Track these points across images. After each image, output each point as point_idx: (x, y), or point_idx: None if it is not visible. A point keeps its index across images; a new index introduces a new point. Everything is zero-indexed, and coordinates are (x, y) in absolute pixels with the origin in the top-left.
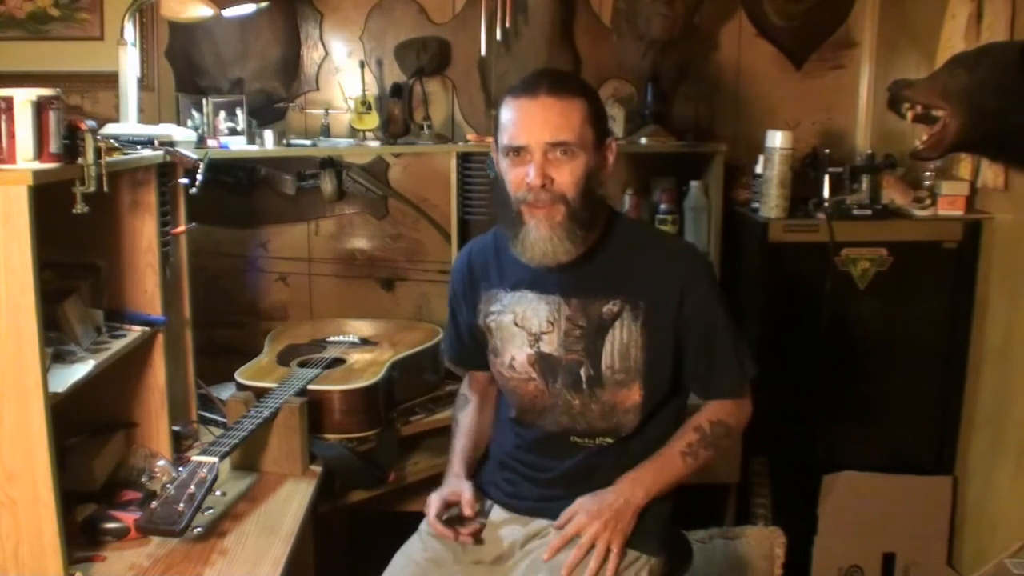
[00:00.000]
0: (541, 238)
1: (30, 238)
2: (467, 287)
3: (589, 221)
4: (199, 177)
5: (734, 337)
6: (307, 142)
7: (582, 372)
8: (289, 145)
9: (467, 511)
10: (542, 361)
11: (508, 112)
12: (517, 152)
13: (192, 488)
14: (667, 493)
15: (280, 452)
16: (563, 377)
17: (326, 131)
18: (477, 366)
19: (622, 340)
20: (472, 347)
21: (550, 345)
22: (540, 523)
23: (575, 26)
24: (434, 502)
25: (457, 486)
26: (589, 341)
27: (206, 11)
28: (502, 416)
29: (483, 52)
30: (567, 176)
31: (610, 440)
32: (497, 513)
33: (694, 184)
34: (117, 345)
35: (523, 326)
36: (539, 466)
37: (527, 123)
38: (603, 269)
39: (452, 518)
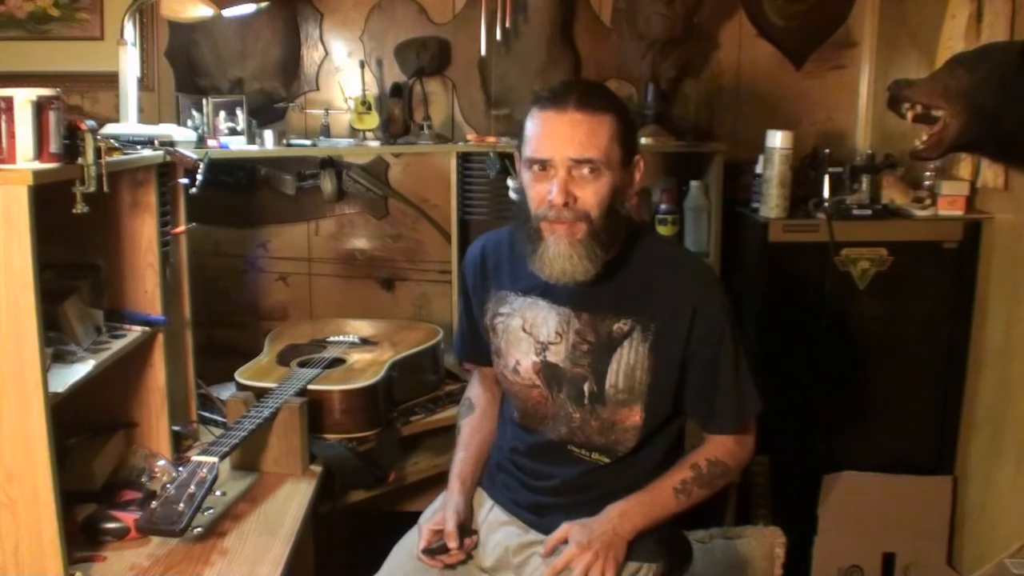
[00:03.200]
0: (560, 255)
1: (30, 238)
2: (478, 282)
3: (610, 240)
4: (199, 177)
5: (739, 370)
6: (307, 142)
7: (585, 387)
8: (289, 145)
9: (450, 544)
10: (547, 370)
11: (534, 123)
12: (542, 166)
13: (192, 488)
14: None
15: (280, 452)
16: (567, 389)
17: (326, 131)
18: (487, 362)
19: (628, 361)
20: (480, 343)
21: (557, 356)
22: (535, 535)
23: (575, 26)
24: (424, 533)
25: (442, 515)
26: (596, 357)
27: (206, 11)
28: (505, 414)
29: (483, 52)
30: (591, 195)
31: (606, 459)
32: (497, 514)
33: (694, 184)
34: (117, 345)
35: (531, 333)
36: (535, 473)
37: (553, 137)
38: (618, 286)
39: (442, 546)
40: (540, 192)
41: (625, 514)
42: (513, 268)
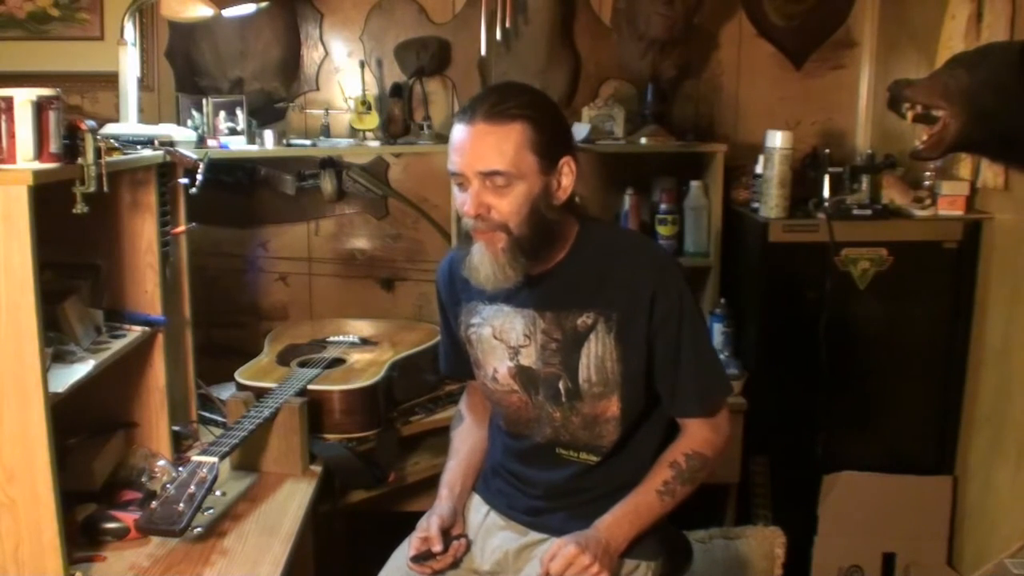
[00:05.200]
0: (484, 263)
1: (30, 238)
2: (449, 297)
3: (537, 247)
4: (199, 177)
5: (700, 352)
6: (307, 142)
7: (560, 385)
8: (289, 145)
9: (434, 548)
10: (523, 374)
11: (452, 136)
12: (458, 179)
13: (192, 488)
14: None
15: (280, 452)
16: (544, 390)
17: (326, 131)
18: (471, 375)
19: (597, 353)
20: (463, 356)
21: (528, 358)
22: (535, 535)
23: (575, 26)
24: (413, 541)
25: (426, 521)
26: (565, 354)
27: (206, 11)
28: (495, 422)
29: (483, 52)
30: (506, 205)
31: (595, 458)
32: (493, 518)
33: (694, 184)
34: (117, 345)
35: (502, 339)
36: (527, 478)
37: (462, 151)
38: (576, 281)
39: (428, 551)
40: (462, 203)
41: (613, 526)
42: None
